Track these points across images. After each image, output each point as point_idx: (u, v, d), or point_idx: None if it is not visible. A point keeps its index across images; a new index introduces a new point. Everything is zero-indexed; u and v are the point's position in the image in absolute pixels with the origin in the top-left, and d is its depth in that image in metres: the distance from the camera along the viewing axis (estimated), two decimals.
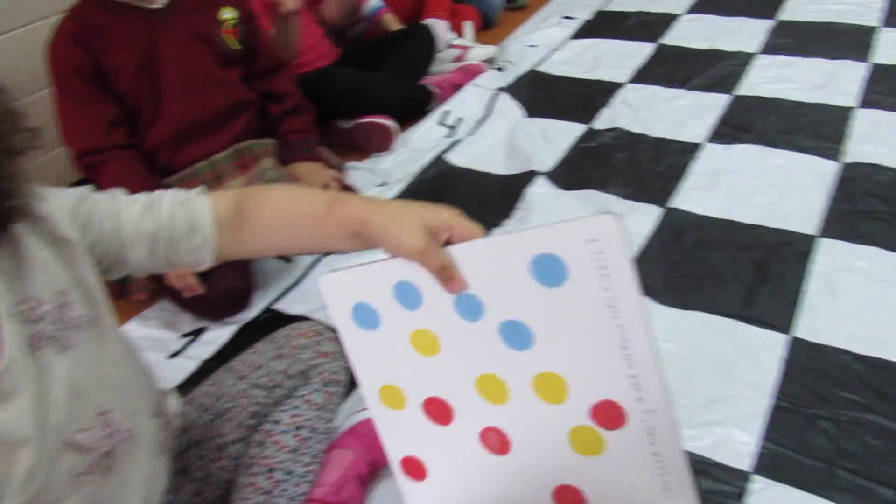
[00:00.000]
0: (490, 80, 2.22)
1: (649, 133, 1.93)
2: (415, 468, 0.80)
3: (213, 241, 0.80)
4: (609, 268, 0.64)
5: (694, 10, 2.63)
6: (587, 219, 0.63)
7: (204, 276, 1.41)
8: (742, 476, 1.09)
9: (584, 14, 2.70)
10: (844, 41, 2.25)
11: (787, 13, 2.51)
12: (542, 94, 2.18)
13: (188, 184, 1.47)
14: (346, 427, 1.15)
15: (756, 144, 1.81)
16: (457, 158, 1.93)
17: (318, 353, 1.08)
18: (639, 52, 2.37)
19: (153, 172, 1.45)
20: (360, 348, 0.77)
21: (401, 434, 0.79)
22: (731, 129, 1.90)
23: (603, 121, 2.01)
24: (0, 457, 0.64)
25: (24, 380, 0.66)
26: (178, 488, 0.98)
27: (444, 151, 1.95)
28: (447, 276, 0.68)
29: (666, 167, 1.79)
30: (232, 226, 0.81)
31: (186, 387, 1.22)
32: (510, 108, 2.10)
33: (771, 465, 1.10)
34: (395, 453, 0.81)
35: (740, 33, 2.39)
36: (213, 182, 1.47)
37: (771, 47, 2.29)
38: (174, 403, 1.00)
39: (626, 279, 0.65)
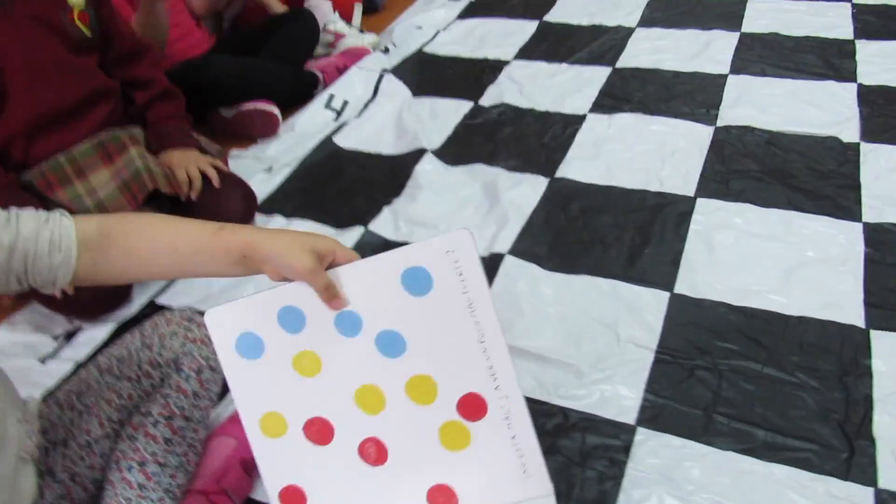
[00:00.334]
0: (375, 63, 2.19)
1: (535, 107, 1.95)
2: (294, 498, 0.80)
3: (73, 262, 0.78)
4: (465, 273, 0.76)
5: None
6: (446, 234, 0.75)
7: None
8: (627, 429, 1.11)
9: None
10: (716, 13, 2.35)
11: None
12: (429, 74, 2.17)
13: (48, 178, 1.38)
14: (227, 414, 1.10)
15: (635, 113, 1.86)
16: (344, 141, 1.90)
17: (189, 340, 1.03)
18: (523, 29, 2.39)
19: (7, 169, 1.35)
20: (242, 379, 0.80)
21: (280, 464, 0.81)
22: (612, 99, 1.94)
23: (489, 97, 2.02)
24: None
25: None
26: (41, 491, 0.91)
27: (332, 134, 1.92)
28: (331, 294, 0.75)
29: (551, 139, 1.81)
30: (95, 248, 0.79)
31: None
32: (397, 88, 2.08)
33: (653, 416, 1.13)
34: (273, 486, 0.81)
35: (620, 8, 2.45)
36: (76, 175, 1.38)
37: (648, 20, 2.35)
38: (36, 408, 0.94)
39: (480, 282, 0.76)
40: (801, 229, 1.45)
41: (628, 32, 2.29)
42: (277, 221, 1.62)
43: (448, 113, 1.96)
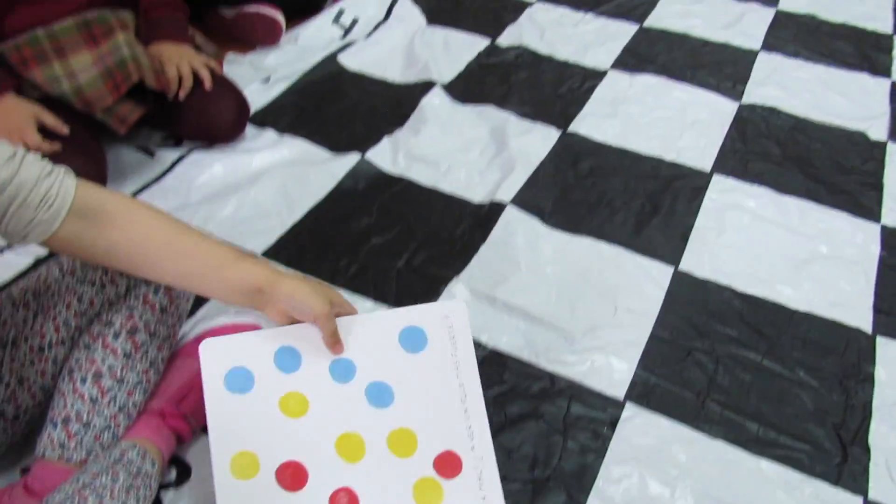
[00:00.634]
0: None
1: (554, 55, 1.84)
2: None
3: (55, 225, 0.74)
4: (457, 338, 0.87)
5: None
6: (444, 303, 0.97)
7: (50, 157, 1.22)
8: (615, 404, 1.06)
9: None
10: None
11: None
12: (446, 3, 2.03)
13: (24, 53, 1.25)
14: (194, 334, 1.02)
15: (659, 76, 1.77)
16: (349, 61, 1.77)
17: None
18: None
19: None
20: (222, 413, 0.80)
21: None
22: (636, 59, 1.84)
23: (508, 37, 1.90)
24: None
25: None
26: None
27: (337, 52, 1.79)
28: (335, 339, 0.82)
29: (567, 91, 1.71)
30: (89, 218, 0.76)
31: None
32: (411, 13, 1.95)
33: (643, 393, 1.07)
34: None
35: None
36: (56, 54, 1.26)
37: None
38: None
39: (468, 348, 0.87)
40: (818, 222, 1.39)
41: None
42: (268, 136, 1.52)
43: (462, 47, 1.85)
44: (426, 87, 1.67)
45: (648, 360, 1.12)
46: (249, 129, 1.53)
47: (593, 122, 1.61)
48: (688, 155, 1.54)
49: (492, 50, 1.85)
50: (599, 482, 0.96)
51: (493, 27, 1.94)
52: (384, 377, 0.85)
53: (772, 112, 1.68)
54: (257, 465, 0.80)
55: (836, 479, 0.98)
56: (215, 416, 0.81)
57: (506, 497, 0.84)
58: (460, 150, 1.52)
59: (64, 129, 1.23)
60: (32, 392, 0.89)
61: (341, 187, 1.41)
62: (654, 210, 1.40)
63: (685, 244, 1.33)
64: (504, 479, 0.85)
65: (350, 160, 1.46)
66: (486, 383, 1.06)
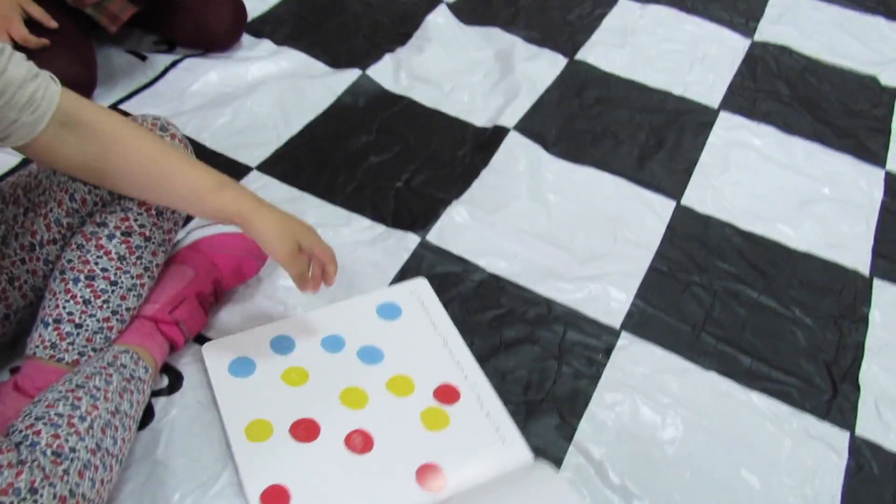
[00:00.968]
0: None
1: None
2: (276, 498, 0.80)
3: (37, 130, 0.72)
4: (426, 304, 1.03)
5: None
6: (408, 282, 1.05)
7: (36, 61, 1.16)
8: (611, 332, 1.05)
9: None
10: None
11: None
12: None
13: None
14: (189, 241, 0.99)
15: (671, 8, 1.71)
16: None
17: None
18: None
19: None
20: (230, 393, 0.89)
21: (263, 466, 0.83)
22: None
23: None
24: None
25: None
26: None
27: None
28: (303, 279, 0.86)
29: (577, 17, 1.66)
30: (71, 127, 0.74)
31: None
32: None
33: (640, 323, 1.07)
34: (254, 488, 0.81)
35: None
36: None
37: None
38: None
39: (439, 309, 1.03)
40: (822, 164, 1.37)
41: None
42: (266, 46, 1.46)
43: None
44: (431, 4, 1.61)
45: (646, 291, 1.12)
46: (245, 39, 1.47)
47: (602, 51, 1.57)
48: (696, 90, 1.51)
49: None
50: (592, 407, 0.96)
51: None
52: (371, 341, 0.97)
53: (783, 51, 1.64)
54: (271, 428, 0.86)
55: (825, 413, 0.99)
56: (224, 398, 0.88)
57: None
58: (464, 71, 1.48)
59: (52, 23, 1.17)
60: (23, 292, 0.87)
61: (340, 103, 1.37)
62: (659, 144, 1.37)
63: (688, 179, 1.31)
64: None
65: (350, 76, 1.42)
66: (483, 307, 1.06)
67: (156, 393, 0.90)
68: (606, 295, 1.10)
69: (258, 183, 1.19)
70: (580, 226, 1.20)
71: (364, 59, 1.46)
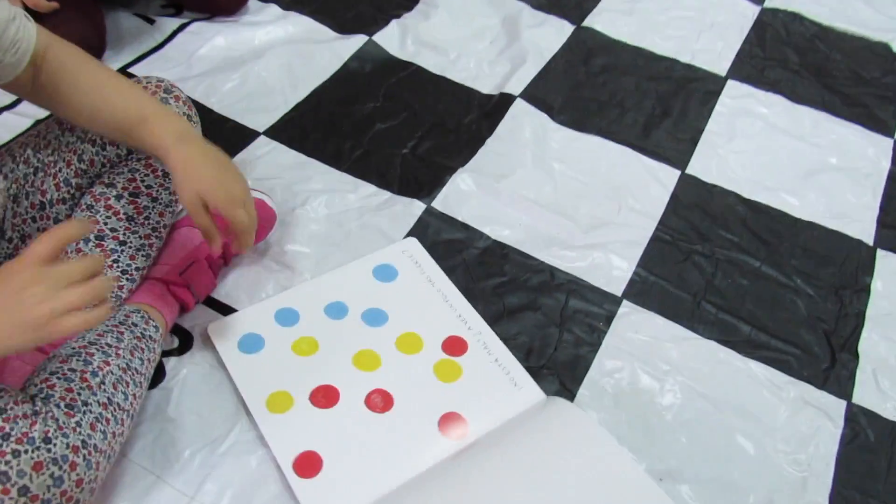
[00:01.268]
0: None
1: None
2: (308, 464, 0.83)
3: (19, 69, 0.75)
4: (420, 262, 1.05)
5: None
6: (399, 242, 1.07)
7: (47, 25, 1.17)
8: (613, 300, 1.07)
9: None
10: None
11: None
12: None
13: None
14: None
15: None
16: None
17: None
18: None
19: None
20: (244, 370, 0.90)
21: (290, 434, 0.85)
22: None
23: None
24: None
25: None
26: None
27: None
28: (209, 236, 0.82)
29: None
30: (39, 64, 0.77)
31: None
32: None
33: (641, 291, 1.08)
34: (286, 457, 0.83)
35: None
36: None
37: None
38: None
39: (433, 265, 1.05)
40: (829, 133, 1.37)
41: None
42: (272, 11, 1.45)
43: None
44: None
45: (648, 259, 1.12)
46: (252, 3, 1.46)
47: (609, 18, 1.56)
48: (703, 58, 1.50)
49: None
50: (592, 373, 0.98)
51: None
52: (373, 304, 0.99)
53: (794, 18, 1.62)
54: (290, 398, 0.88)
55: (823, 382, 1.01)
56: (238, 374, 0.89)
57: None
58: (471, 38, 1.47)
59: None
60: None
61: (347, 68, 1.37)
62: (665, 112, 1.37)
63: (694, 148, 1.31)
64: None
65: (356, 41, 1.41)
66: (487, 274, 1.07)
67: (167, 353, 0.92)
68: (609, 263, 1.11)
69: (266, 148, 1.20)
70: (584, 194, 1.21)
71: (370, 24, 1.46)
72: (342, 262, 1.05)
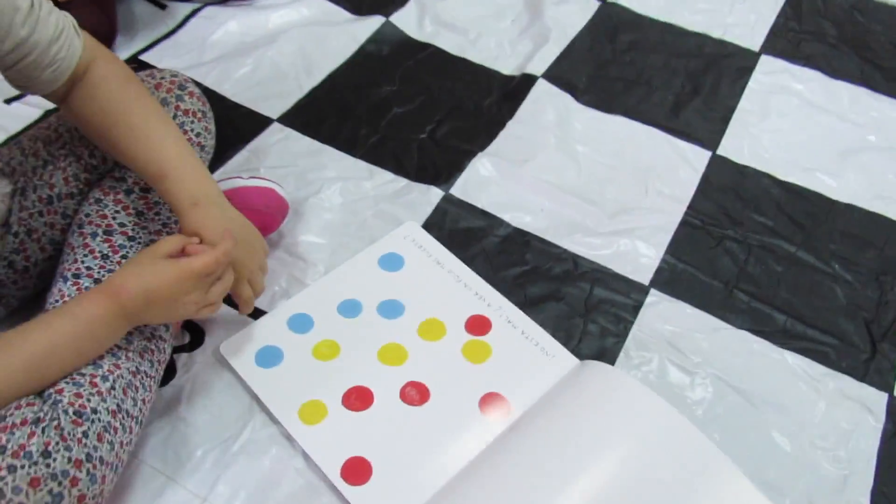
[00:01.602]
0: None
1: None
2: (357, 470, 0.80)
3: (56, 86, 0.75)
4: (424, 245, 1.02)
5: None
6: (399, 228, 1.04)
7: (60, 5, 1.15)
8: (640, 289, 1.02)
9: None
10: None
11: None
12: None
13: None
14: None
15: None
16: None
17: (180, 111, 0.90)
18: None
19: None
20: (268, 385, 0.86)
21: (332, 443, 0.82)
22: None
23: None
24: None
25: None
26: None
27: None
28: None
29: None
30: (71, 83, 0.77)
31: None
32: None
33: (669, 280, 1.04)
34: (332, 467, 0.80)
35: None
36: None
37: None
38: None
39: (437, 246, 1.02)
40: (869, 109, 1.30)
41: None
42: None
43: None
44: None
45: (677, 246, 1.08)
46: None
47: None
48: (735, 32, 1.43)
49: None
50: (618, 366, 0.94)
51: None
52: (387, 296, 0.96)
53: None
54: (323, 406, 0.85)
55: (863, 374, 0.96)
56: (263, 392, 0.85)
57: None
58: (491, 17, 1.42)
59: None
60: (42, 244, 0.87)
61: (363, 51, 1.33)
62: (695, 90, 1.31)
63: (725, 127, 1.25)
64: None
65: (373, 23, 1.37)
66: (507, 263, 1.03)
67: (178, 349, 0.90)
68: (635, 250, 1.07)
69: (279, 135, 1.17)
70: (610, 178, 1.16)
71: (387, 4, 1.41)
72: (357, 252, 1.01)
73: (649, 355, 0.95)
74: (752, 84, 1.33)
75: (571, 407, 0.85)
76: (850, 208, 1.15)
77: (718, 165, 1.19)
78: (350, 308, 0.95)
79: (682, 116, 1.26)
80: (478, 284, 0.99)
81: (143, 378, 0.75)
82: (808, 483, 0.85)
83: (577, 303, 1.00)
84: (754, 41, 1.42)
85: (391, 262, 1.00)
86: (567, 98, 1.27)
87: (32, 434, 0.61)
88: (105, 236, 0.83)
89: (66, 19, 0.74)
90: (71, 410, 0.65)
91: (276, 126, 1.19)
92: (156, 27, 1.35)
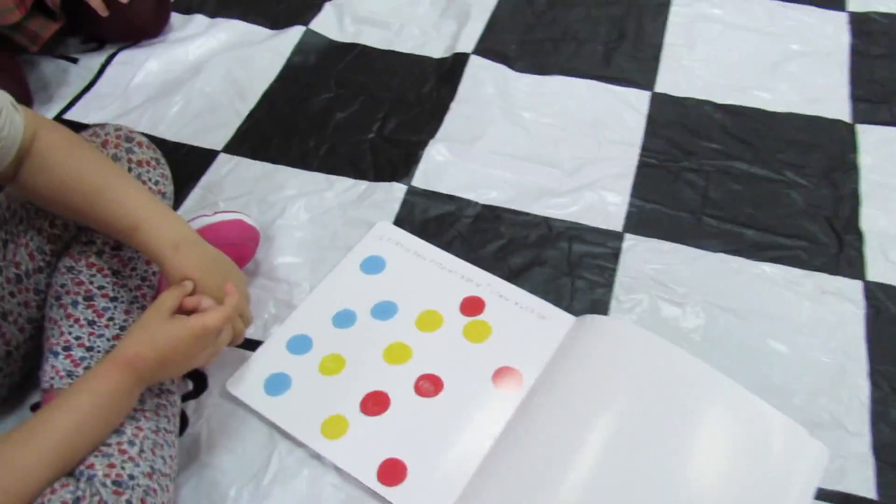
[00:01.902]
0: None
1: None
2: (393, 471, 0.81)
3: (5, 164, 0.73)
4: (401, 242, 1.04)
5: None
6: (372, 230, 1.05)
7: None
8: (615, 236, 1.05)
9: None
10: None
11: None
12: None
13: None
14: None
15: None
16: None
17: (133, 163, 0.89)
18: None
19: None
20: (285, 412, 0.86)
21: (361, 452, 0.83)
22: None
23: None
24: None
25: None
26: None
27: None
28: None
29: None
30: (19, 160, 0.75)
31: None
32: None
33: (640, 222, 1.07)
34: (368, 474, 0.81)
35: None
36: None
37: None
38: None
39: (414, 240, 1.03)
40: (785, 20, 1.35)
41: None
42: (199, 21, 1.40)
43: None
44: None
45: (640, 188, 1.11)
46: (175, 18, 1.40)
47: None
48: None
49: None
50: (613, 313, 0.97)
51: None
52: (377, 299, 0.97)
53: None
54: (344, 419, 0.86)
55: (835, 268, 1.01)
56: (281, 418, 0.86)
57: None
58: (409, 4, 1.43)
59: None
60: (20, 325, 0.84)
61: (291, 64, 1.32)
62: (621, 35, 1.34)
63: (658, 65, 1.29)
64: None
65: (295, 34, 1.36)
66: (484, 241, 1.05)
67: (185, 398, 0.89)
68: (602, 201, 1.09)
69: (229, 165, 1.16)
70: (561, 138, 1.18)
71: (304, 13, 1.40)
72: (337, 263, 1.02)
73: (638, 297, 0.98)
74: (672, 18, 1.37)
75: (577, 365, 0.88)
76: (790, 116, 1.20)
77: (660, 103, 1.23)
78: (345, 319, 0.95)
79: (615, 63, 1.29)
80: (462, 267, 1.00)
81: (164, 434, 0.74)
82: (810, 380, 0.90)
83: (559, 263, 1.02)
84: None
85: (373, 265, 1.01)
86: (502, 69, 1.29)
87: None
88: (87, 303, 0.82)
89: (3, 97, 0.71)
90: (109, 482, 0.64)
91: (223, 157, 1.17)
92: (71, 83, 1.31)
